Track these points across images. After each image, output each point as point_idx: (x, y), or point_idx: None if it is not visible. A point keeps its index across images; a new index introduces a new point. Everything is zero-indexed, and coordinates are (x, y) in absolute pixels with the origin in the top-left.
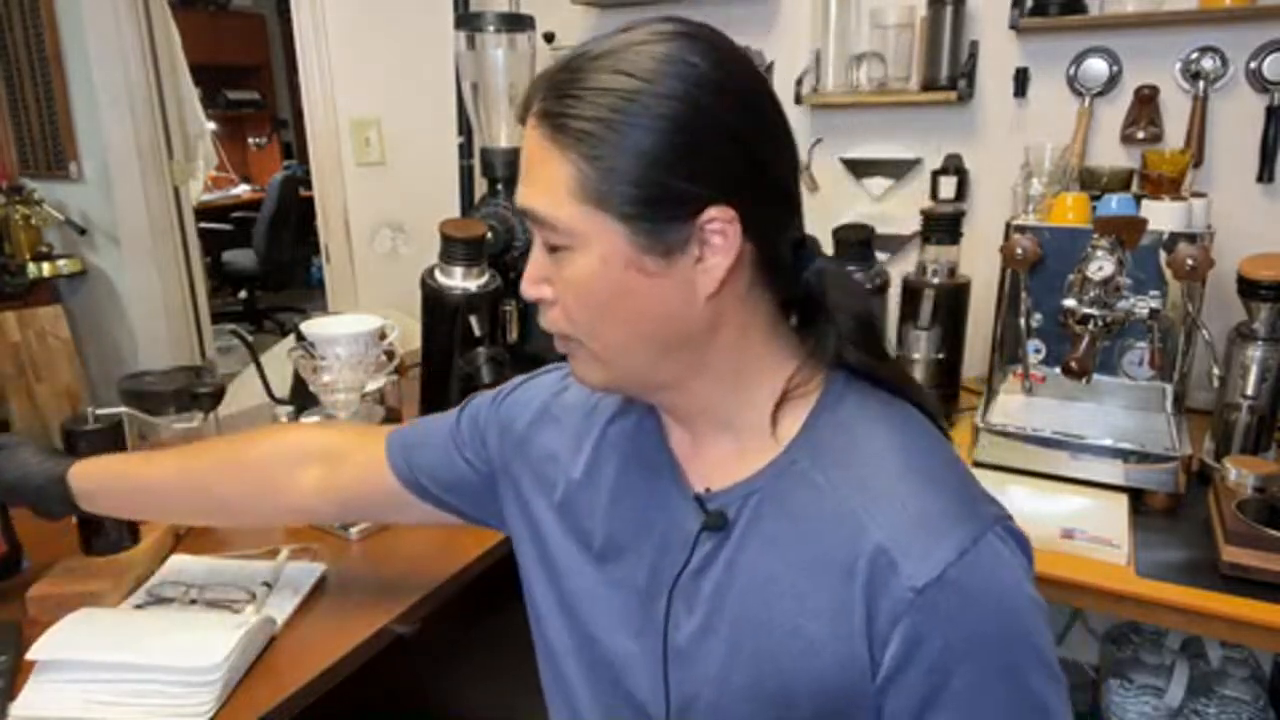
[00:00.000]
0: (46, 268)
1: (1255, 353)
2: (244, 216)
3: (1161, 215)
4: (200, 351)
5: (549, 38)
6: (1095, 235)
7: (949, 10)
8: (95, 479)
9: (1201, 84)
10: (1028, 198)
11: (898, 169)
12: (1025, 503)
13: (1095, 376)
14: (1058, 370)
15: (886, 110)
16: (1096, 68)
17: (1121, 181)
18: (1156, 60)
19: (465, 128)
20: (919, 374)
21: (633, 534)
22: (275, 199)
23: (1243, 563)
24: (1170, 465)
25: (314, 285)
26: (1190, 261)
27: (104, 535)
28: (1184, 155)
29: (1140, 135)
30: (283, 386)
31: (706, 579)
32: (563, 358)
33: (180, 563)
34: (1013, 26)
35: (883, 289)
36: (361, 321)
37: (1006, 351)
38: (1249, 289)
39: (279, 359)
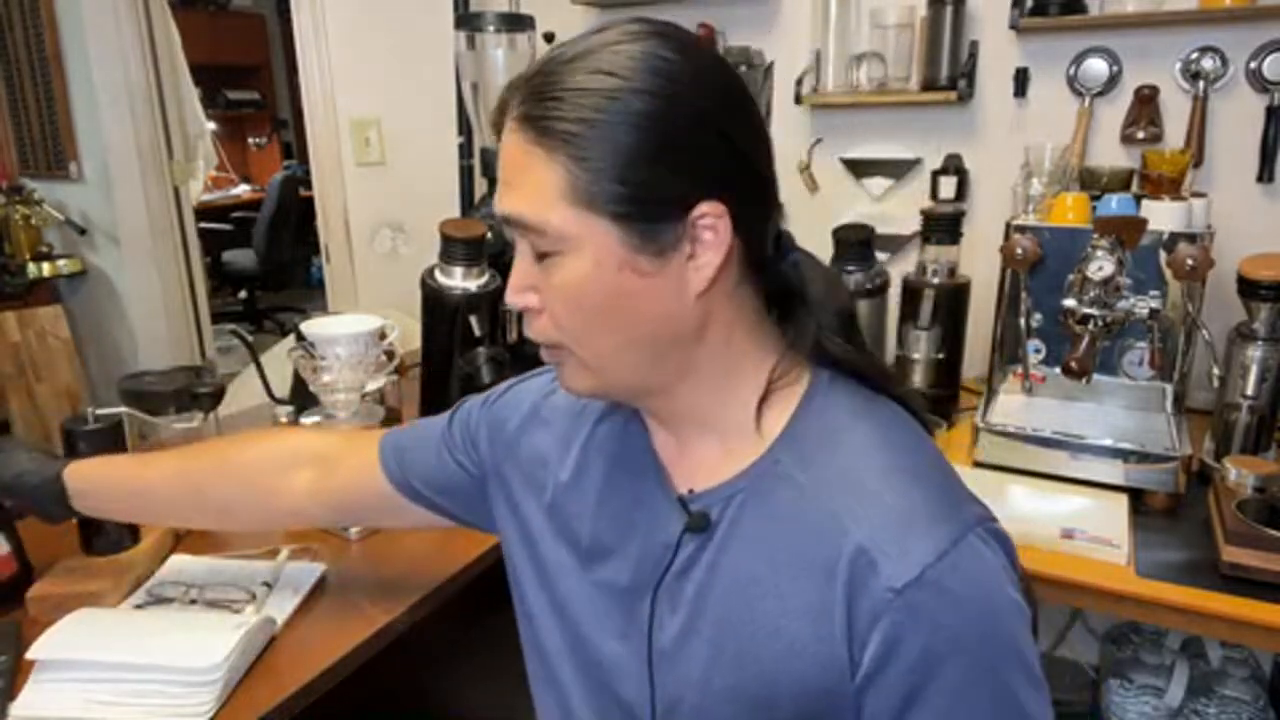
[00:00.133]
0: (46, 268)
1: (1255, 353)
2: (244, 216)
3: (1161, 215)
4: (200, 351)
5: (549, 38)
6: (1095, 235)
7: (949, 10)
8: (90, 479)
9: (1201, 84)
10: (1028, 198)
11: (898, 169)
12: (1025, 503)
13: (1095, 376)
14: (1058, 370)
15: (886, 110)
16: (1096, 68)
17: (1121, 181)
18: (1156, 60)
19: (465, 128)
20: (919, 374)
21: (618, 536)
22: (275, 199)
23: (1243, 563)
24: (1170, 465)
25: (314, 285)
26: (1190, 261)
27: (104, 535)
28: (1184, 155)
29: (1140, 135)
30: (283, 386)
31: (689, 580)
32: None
33: (180, 563)
34: (1013, 26)
35: (883, 289)
36: (361, 321)
37: (1006, 351)
38: (1249, 289)
39: (279, 359)
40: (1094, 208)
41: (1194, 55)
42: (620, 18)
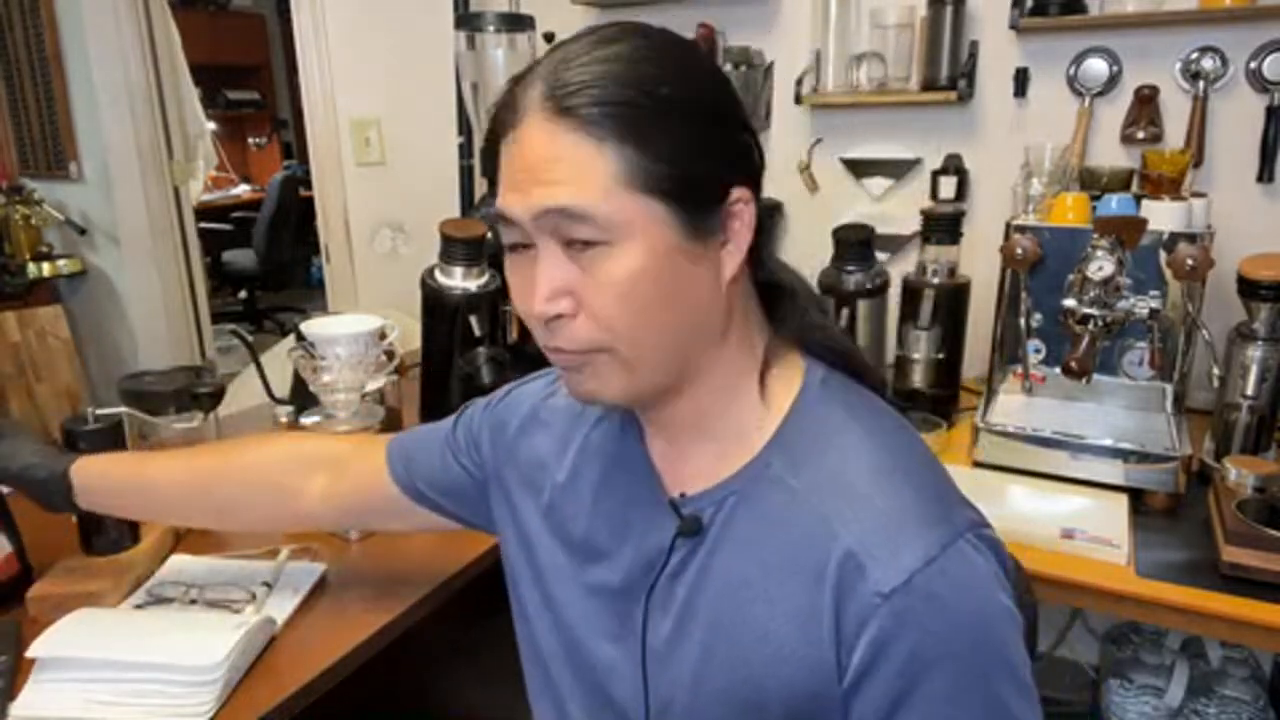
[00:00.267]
0: (46, 268)
1: (1255, 353)
2: (244, 216)
3: (1161, 215)
4: (200, 351)
5: (549, 38)
6: (1095, 235)
7: (949, 10)
8: (98, 476)
9: (1201, 84)
10: (1028, 198)
11: (898, 169)
12: (1025, 503)
13: (1095, 376)
14: (1058, 370)
15: (886, 110)
16: (1096, 68)
17: (1121, 181)
18: (1156, 60)
19: (465, 128)
20: (919, 374)
21: (612, 538)
22: (275, 199)
23: (1243, 563)
24: (1170, 465)
25: (314, 285)
26: (1190, 261)
27: (104, 535)
28: (1184, 155)
29: (1140, 135)
30: (283, 386)
31: (681, 583)
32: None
33: (180, 563)
34: (1013, 26)
35: (883, 289)
36: (361, 321)
37: (1006, 351)
38: (1249, 289)
39: (279, 359)
40: (1094, 208)
41: (1194, 55)
42: (617, 19)
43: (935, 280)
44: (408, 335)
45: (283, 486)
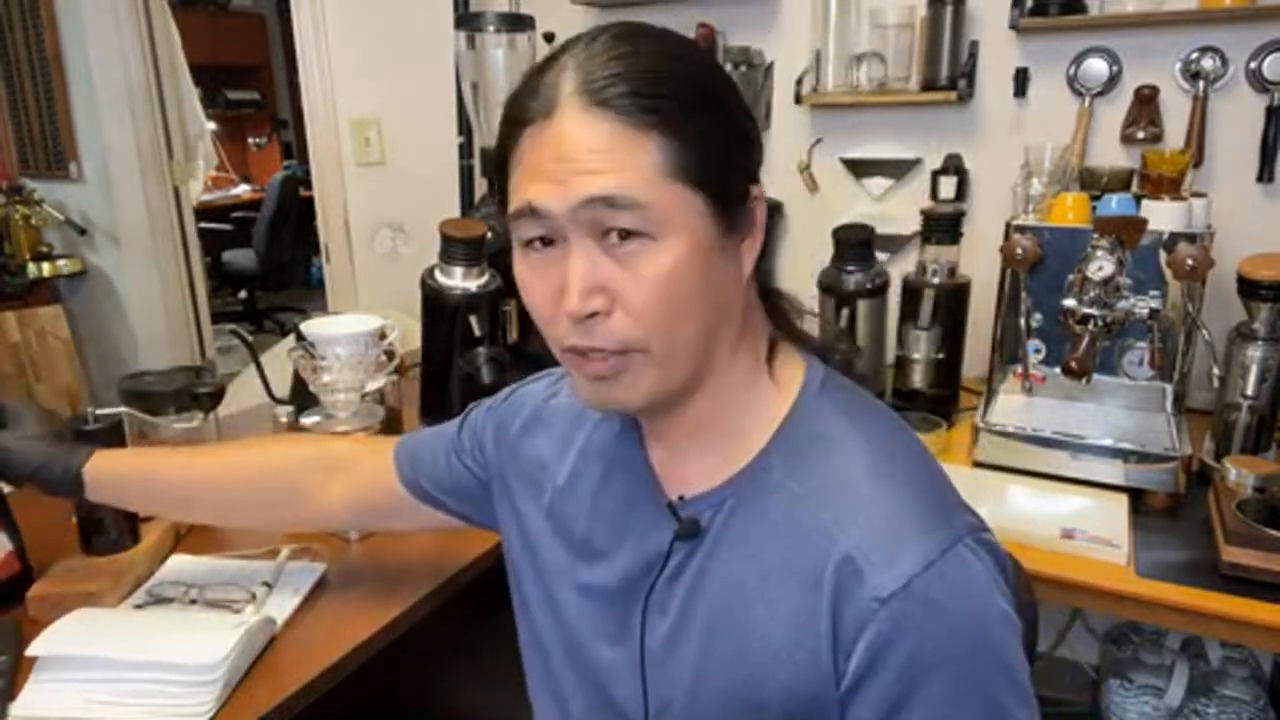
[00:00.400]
0: (46, 268)
1: (1255, 353)
2: (244, 216)
3: (1161, 215)
4: (200, 351)
5: (549, 38)
6: (1095, 235)
7: (949, 10)
8: (108, 473)
9: (1201, 84)
10: (1028, 198)
11: (898, 169)
12: (1025, 503)
13: (1095, 376)
14: (1058, 370)
15: (886, 110)
16: (1096, 68)
17: (1121, 181)
18: (1156, 60)
19: (465, 128)
20: (919, 374)
21: (611, 539)
22: (275, 199)
23: (1243, 563)
24: (1170, 465)
25: (314, 285)
26: (1190, 261)
27: (104, 535)
28: (1184, 155)
29: (1140, 135)
30: (283, 386)
31: (680, 585)
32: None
33: (180, 563)
34: (1013, 26)
35: (883, 289)
36: (361, 321)
37: (1006, 351)
38: (1249, 289)
39: (279, 359)
40: (1094, 208)
41: (1194, 55)
42: (617, 19)
43: (935, 280)
44: (408, 335)
45: (301, 489)
